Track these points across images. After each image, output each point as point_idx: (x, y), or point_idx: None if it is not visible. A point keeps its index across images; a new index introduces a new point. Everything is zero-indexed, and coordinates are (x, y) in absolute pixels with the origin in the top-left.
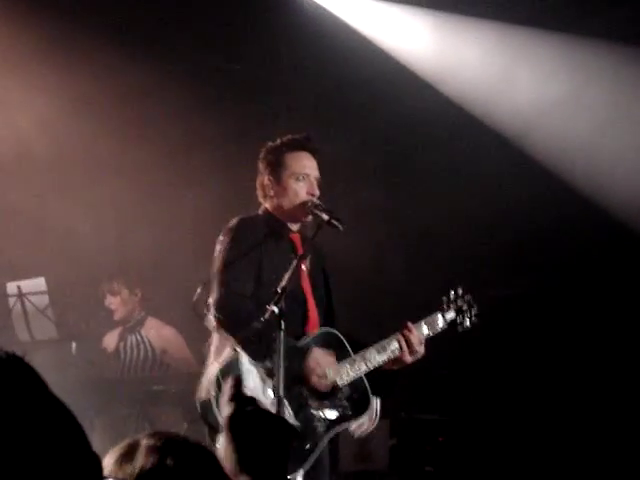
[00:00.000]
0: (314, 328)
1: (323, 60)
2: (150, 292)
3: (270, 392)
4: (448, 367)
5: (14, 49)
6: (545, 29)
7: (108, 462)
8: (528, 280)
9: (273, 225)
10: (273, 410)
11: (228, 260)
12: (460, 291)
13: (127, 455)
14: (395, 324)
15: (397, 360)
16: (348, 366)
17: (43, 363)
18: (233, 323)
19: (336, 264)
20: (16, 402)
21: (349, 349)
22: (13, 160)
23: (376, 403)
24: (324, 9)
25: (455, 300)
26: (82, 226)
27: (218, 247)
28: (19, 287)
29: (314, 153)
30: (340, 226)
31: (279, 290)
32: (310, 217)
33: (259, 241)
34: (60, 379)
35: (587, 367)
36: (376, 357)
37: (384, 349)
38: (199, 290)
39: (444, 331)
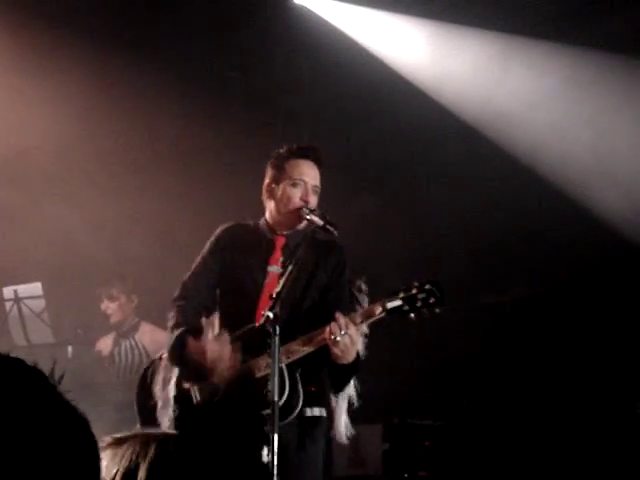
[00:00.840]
0: None
1: (320, 69)
2: (146, 298)
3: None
4: (441, 372)
5: (13, 53)
6: (540, 38)
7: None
8: (523, 287)
9: (258, 231)
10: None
11: (194, 268)
12: (423, 282)
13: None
14: (391, 327)
15: (334, 353)
16: (269, 359)
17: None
18: (173, 324)
19: None
20: (32, 410)
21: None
22: (10, 164)
23: (337, 401)
24: (321, 18)
25: (409, 289)
26: (79, 231)
27: None
28: (15, 291)
29: (317, 163)
30: (335, 231)
31: (274, 295)
32: (304, 223)
33: (228, 249)
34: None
35: (582, 373)
36: (300, 349)
37: (310, 340)
38: None
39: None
